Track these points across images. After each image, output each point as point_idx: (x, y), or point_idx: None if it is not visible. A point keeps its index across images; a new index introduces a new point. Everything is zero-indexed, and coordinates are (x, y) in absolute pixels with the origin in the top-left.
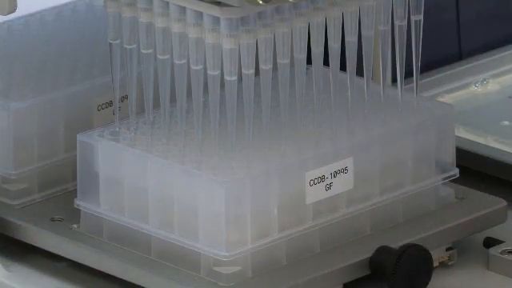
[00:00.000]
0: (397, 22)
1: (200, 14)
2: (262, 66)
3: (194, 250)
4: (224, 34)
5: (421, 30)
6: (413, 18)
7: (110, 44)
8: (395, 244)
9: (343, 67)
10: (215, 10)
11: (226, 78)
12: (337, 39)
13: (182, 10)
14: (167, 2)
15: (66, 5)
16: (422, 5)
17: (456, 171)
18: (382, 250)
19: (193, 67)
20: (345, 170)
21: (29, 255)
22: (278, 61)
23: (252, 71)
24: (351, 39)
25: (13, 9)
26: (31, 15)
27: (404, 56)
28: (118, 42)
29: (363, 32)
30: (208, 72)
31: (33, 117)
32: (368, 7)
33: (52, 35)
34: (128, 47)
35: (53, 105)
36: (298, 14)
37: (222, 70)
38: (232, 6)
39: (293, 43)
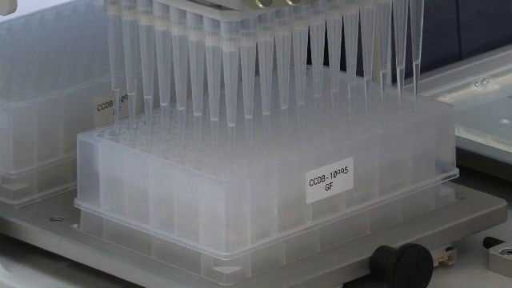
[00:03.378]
0: (395, 22)
1: (200, 18)
2: (261, 68)
3: (194, 249)
4: (224, 38)
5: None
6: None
7: (110, 44)
8: (395, 244)
9: (343, 67)
10: (215, 14)
11: (226, 80)
12: (337, 41)
13: (182, 13)
14: (167, 5)
15: (65, 5)
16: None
17: (456, 171)
18: (382, 250)
19: (193, 69)
20: (345, 170)
21: (29, 255)
22: (278, 63)
23: (252, 74)
24: (351, 41)
25: (13, 9)
26: (31, 15)
27: (404, 56)
28: (117, 41)
29: (363, 34)
30: (208, 74)
31: (33, 117)
32: (368, 10)
33: (52, 35)
34: (127, 48)
35: (53, 105)
36: (298, 17)
37: (221, 71)
38: (232, 9)
39: (293, 46)
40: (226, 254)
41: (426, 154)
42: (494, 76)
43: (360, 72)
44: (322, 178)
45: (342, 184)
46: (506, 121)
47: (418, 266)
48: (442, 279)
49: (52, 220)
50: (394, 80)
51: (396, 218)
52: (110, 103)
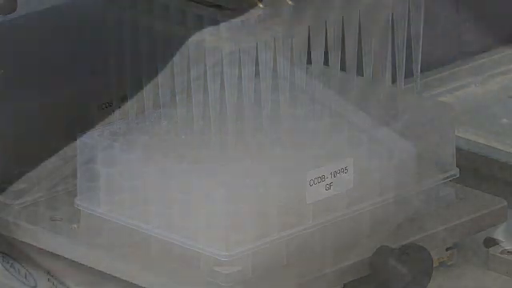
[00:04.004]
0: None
1: (200, 17)
2: (262, 68)
3: (193, 249)
4: (224, 38)
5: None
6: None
7: (110, 44)
8: (395, 244)
9: (343, 67)
10: (215, 14)
11: (226, 80)
12: (337, 41)
13: (182, 13)
14: (167, 5)
15: (66, 4)
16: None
17: (456, 171)
18: (382, 250)
19: (193, 69)
20: (345, 170)
21: (29, 255)
22: (278, 63)
23: (252, 73)
24: (351, 41)
25: (13, 9)
26: (31, 15)
27: (404, 56)
28: (117, 41)
29: (363, 34)
30: (208, 74)
31: (33, 117)
32: (368, 10)
33: (52, 35)
34: (128, 48)
35: (53, 105)
36: (298, 17)
37: (221, 71)
38: (232, 9)
39: (293, 45)
40: (226, 254)
41: (426, 154)
42: (494, 76)
43: (360, 72)
44: (322, 178)
45: (342, 184)
46: (505, 121)
47: (418, 266)
48: (442, 279)
49: (52, 220)
50: (394, 80)
51: (396, 218)
52: (110, 103)
